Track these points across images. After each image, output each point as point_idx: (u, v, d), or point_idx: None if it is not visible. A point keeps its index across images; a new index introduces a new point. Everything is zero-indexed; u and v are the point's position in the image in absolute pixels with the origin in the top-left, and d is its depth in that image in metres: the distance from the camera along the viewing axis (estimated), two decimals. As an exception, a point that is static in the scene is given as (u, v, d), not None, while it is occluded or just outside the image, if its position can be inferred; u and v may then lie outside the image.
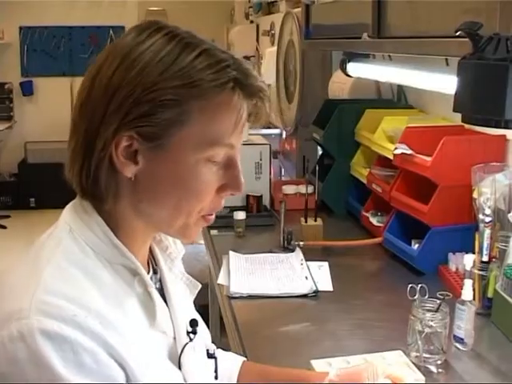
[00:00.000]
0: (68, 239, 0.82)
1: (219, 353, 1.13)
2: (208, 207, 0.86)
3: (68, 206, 0.88)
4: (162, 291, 0.94)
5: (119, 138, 0.79)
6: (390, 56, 2.06)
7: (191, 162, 0.81)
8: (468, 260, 1.46)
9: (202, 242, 2.30)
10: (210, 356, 1.01)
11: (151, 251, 0.97)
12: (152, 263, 0.96)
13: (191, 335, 0.92)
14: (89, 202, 0.85)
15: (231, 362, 1.17)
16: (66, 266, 0.78)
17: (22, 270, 0.81)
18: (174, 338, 0.91)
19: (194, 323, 0.94)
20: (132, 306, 0.83)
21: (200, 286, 1.03)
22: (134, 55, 0.79)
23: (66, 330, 0.72)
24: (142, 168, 0.81)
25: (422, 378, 1.21)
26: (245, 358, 1.22)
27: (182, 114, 0.79)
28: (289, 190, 2.40)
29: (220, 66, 0.79)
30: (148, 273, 0.92)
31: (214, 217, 0.88)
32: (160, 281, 0.95)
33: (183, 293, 1.01)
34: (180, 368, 0.88)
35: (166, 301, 0.93)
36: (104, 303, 0.77)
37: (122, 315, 0.79)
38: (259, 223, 2.19)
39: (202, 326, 1.07)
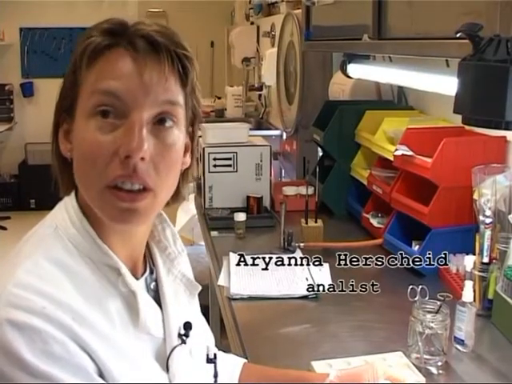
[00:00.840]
0: (52, 236, 0.83)
1: (219, 355, 1.12)
2: (108, 175, 0.79)
3: (58, 204, 0.89)
4: (157, 292, 0.93)
5: (61, 122, 0.86)
6: (390, 57, 2.06)
7: (83, 123, 0.82)
8: (468, 261, 1.46)
9: (203, 243, 2.30)
10: (209, 361, 1.00)
11: (150, 251, 0.96)
12: (149, 263, 0.95)
13: (184, 338, 0.91)
14: (74, 197, 0.87)
15: (232, 364, 1.17)
16: (44, 263, 0.79)
17: (3, 266, 0.81)
18: (165, 340, 0.90)
19: (186, 326, 0.93)
20: (115, 305, 0.83)
21: (200, 287, 1.02)
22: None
23: (35, 320, 0.72)
24: (73, 146, 0.84)
25: (422, 379, 1.20)
26: (245, 360, 1.22)
27: (77, 79, 0.84)
28: (289, 191, 2.39)
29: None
30: (144, 273, 0.92)
31: (129, 194, 0.79)
32: (156, 281, 0.94)
33: (182, 294, 0.99)
34: (168, 371, 0.87)
35: (161, 301, 0.92)
36: (81, 301, 0.78)
37: (100, 314, 0.79)
38: (259, 224, 2.19)
39: (204, 330, 1.07)
